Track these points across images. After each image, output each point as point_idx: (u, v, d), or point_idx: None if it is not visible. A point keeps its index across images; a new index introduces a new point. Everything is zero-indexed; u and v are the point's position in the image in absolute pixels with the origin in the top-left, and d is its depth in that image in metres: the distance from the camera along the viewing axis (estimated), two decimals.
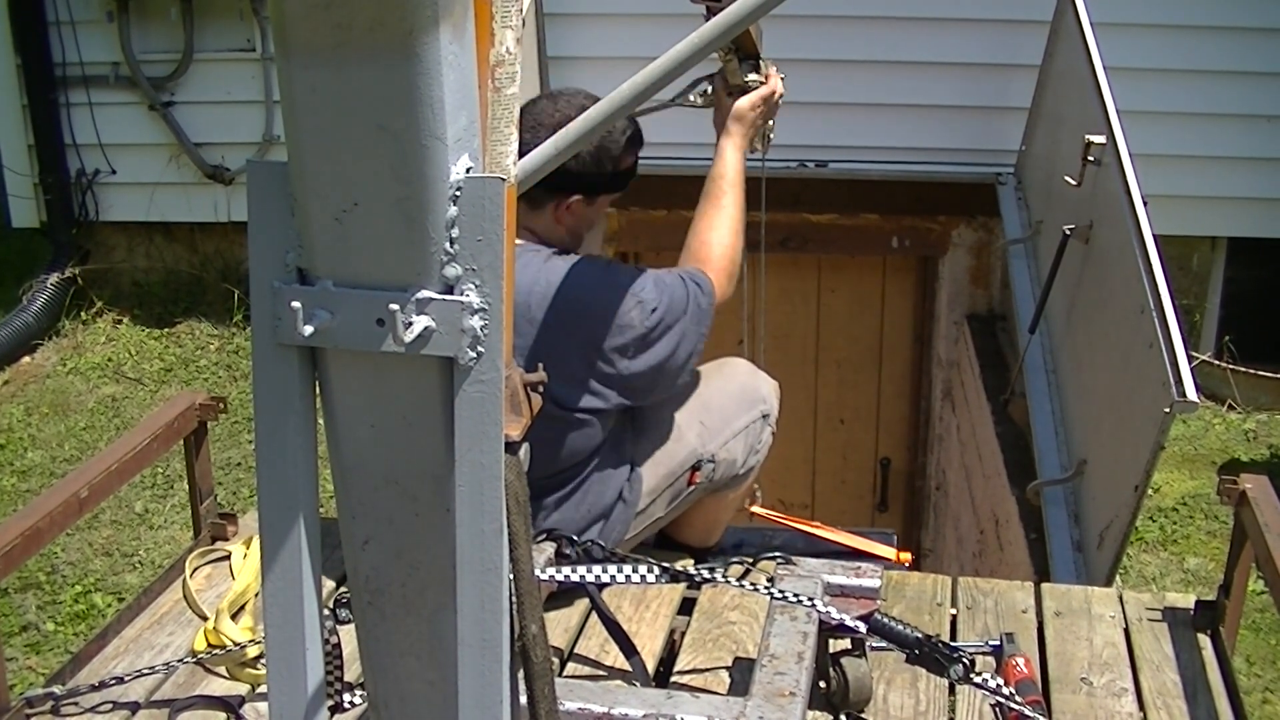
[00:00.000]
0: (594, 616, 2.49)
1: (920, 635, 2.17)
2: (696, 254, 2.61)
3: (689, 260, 2.61)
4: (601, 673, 2.40)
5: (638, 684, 2.27)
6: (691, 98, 2.69)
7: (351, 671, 2.21)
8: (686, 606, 2.62)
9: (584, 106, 2.42)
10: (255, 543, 2.71)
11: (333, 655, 2.04)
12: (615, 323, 2.44)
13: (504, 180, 1.13)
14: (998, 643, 2.42)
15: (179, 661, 2.40)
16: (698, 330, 2.54)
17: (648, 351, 2.48)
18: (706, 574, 2.30)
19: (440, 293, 1.14)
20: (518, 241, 2.45)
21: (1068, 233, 3.79)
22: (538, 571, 1.98)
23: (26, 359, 5.70)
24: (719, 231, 2.62)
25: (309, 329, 1.15)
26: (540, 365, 2.30)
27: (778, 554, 2.38)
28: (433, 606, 1.28)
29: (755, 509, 3.06)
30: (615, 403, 2.52)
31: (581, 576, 2.23)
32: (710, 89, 2.69)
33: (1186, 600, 2.62)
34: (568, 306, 2.44)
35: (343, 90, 1.07)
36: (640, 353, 2.48)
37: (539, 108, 2.49)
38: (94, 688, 2.32)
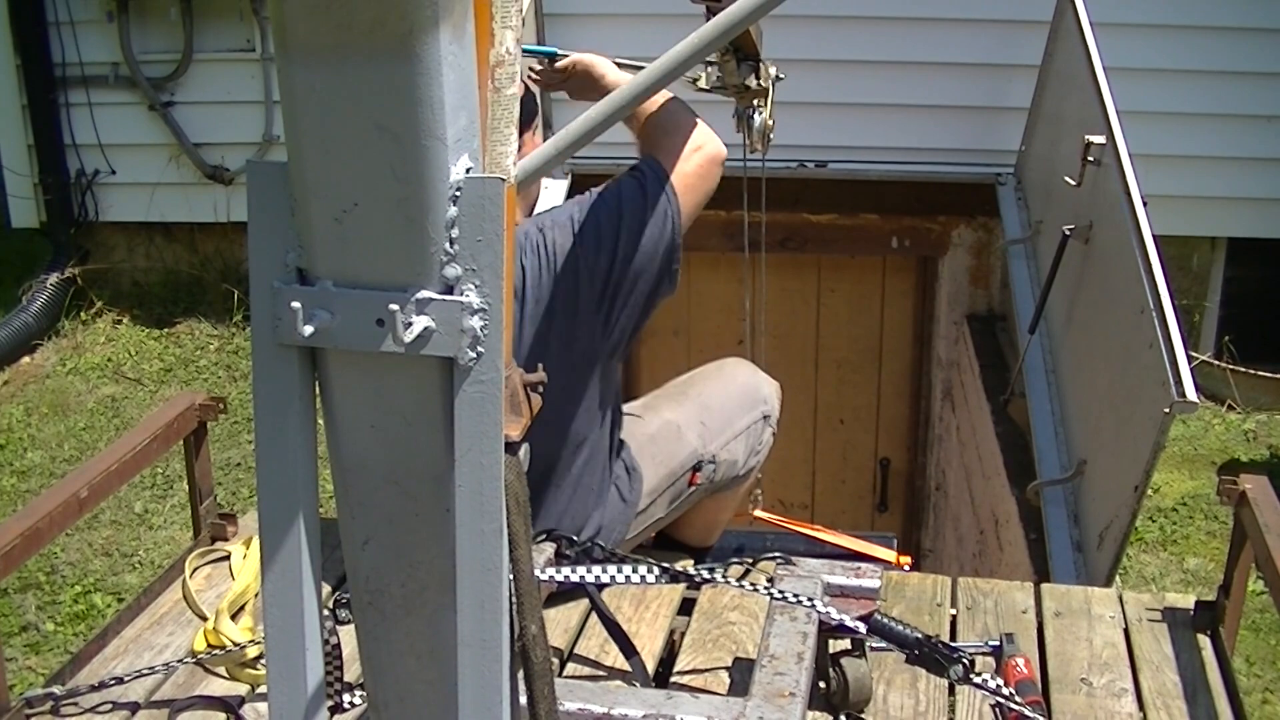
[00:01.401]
0: (594, 617, 2.49)
1: (920, 635, 2.17)
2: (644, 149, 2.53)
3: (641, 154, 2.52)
4: (601, 673, 2.40)
5: (637, 684, 2.27)
6: (701, 82, 2.66)
7: (351, 672, 2.21)
8: (686, 607, 2.62)
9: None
10: (255, 543, 2.71)
11: (332, 655, 2.04)
12: (588, 238, 2.37)
13: (504, 180, 1.13)
14: (997, 643, 2.42)
15: (179, 662, 2.40)
16: (665, 210, 2.42)
17: (619, 241, 2.38)
18: (706, 574, 2.30)
19: (440, 293, 1.14)
20: None
21: (1067, 233, 3.79)
22: (537, 572, 1.98)
23: (26, 359, 5.70)
24: (664, 119, 2.52)
25: (309, 329, 1.15)
26: (549, 328, 2.31)
27: (778, 554, 2.38)
28: (432, 607, 1.28)
29: (757, 513, 3.06)
30: (619, 316, 2.42)
31: (581, 577, 2.23)
32: (714, 74, 2.66)
33: (1186, 601, 2.62)
34: (553, 255, 2.38)
35: (342, 90, 1.07)
36: (615, 247, 2.38)
37: None
38: (94, 688, 2.31)
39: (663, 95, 2.48)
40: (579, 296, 2.39)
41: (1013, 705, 2.16)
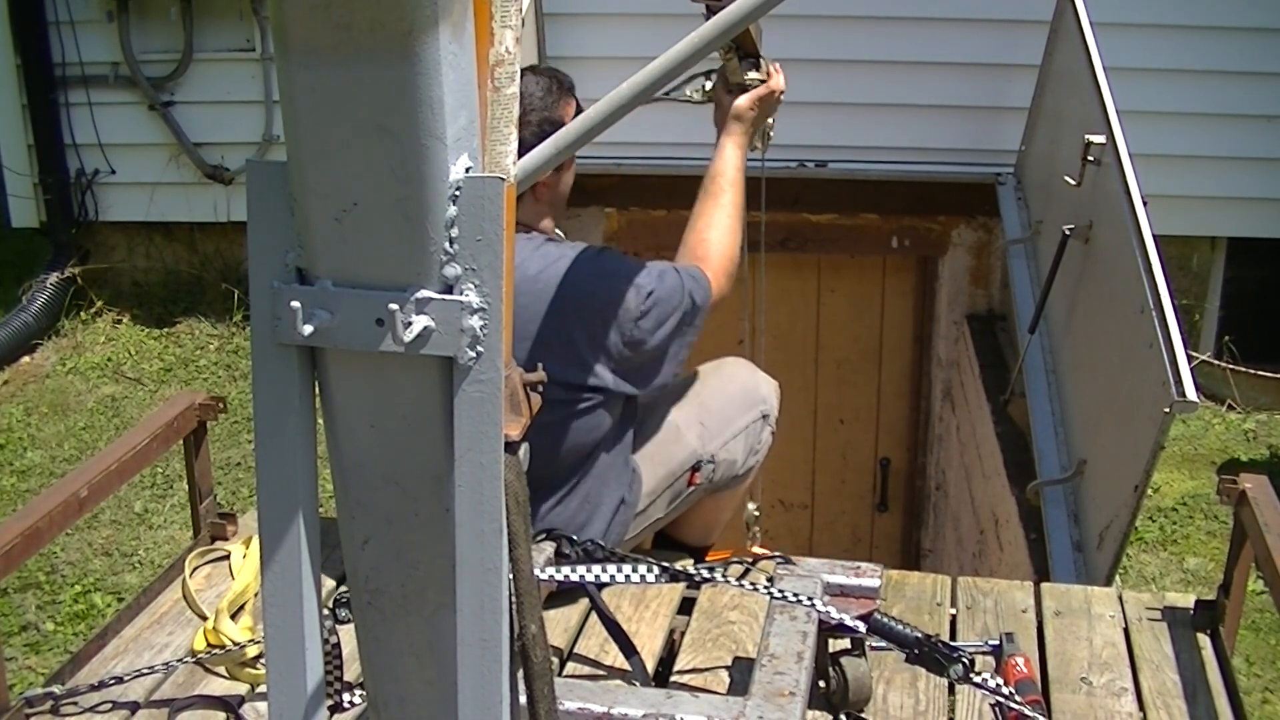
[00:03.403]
0: (593, 616, 2.49)
1: (920, 635, 2.17)
2: (694, 251, 2.61)
3: (687, 257, 2.61)
4: (601, 672, 2.40)
5: (637, 684, 2.27)
6: (688, 93, 2.70)
7: (351, 671, 2.21)
8: (686, 606, 2.62)
9: (537, 84, 2.46)
10: (255, 542, 2.71)
11: (332, 655, 2.04)
12: (611, 304, 2.45)
13: (503, 180, 1.13)
14: (997, 642, 2.42)
15: (178, 661, 2.40)
16: (690, 324, 2.55)
17: (641, 334, 2.48)
18: (706, 573, 2.30)
19: (440, 292, 1.14)
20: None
21: (1067, 233, 3.79)
22: (537, 571, 1.98)
23: (26, 359, 5.69)
24: (718, 230, 2.62)
25: (308, 329, 1.15)
26: (540, 360, 2.36)
27: (777, 554, 2.38)
28: (432, 606, 1.28)
29: (755, 549, 3.06)
30: (614, 385, 2.51)
31: (581, 576, 2.23)
32: (707, 85, 2.69)
33: (1186, 600, 2.62)
34: (566, 289, 2.44)
35: (342, 90, 1.07)
36: (634, 335, 2.47)
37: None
38: (93, 687, 2.32)
39: (735, 185, 2.66)
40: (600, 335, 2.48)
41: (1013, 704, 2.16)
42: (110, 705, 2.28)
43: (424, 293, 1.14)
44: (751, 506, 3.11)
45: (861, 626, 2.17)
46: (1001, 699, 2.19)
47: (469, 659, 1.22)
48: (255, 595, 2.58)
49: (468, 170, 1.13)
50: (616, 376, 2.51)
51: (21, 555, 2.27)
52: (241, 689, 2.34)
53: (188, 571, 2.70)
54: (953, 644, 2.25)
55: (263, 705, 2.24)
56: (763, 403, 2.84)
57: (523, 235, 2.51)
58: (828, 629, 2.20)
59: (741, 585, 2.34)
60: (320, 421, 1.25)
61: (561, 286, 2.44)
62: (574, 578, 2.23)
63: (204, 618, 2.55)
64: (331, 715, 2.08)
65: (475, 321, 1.14)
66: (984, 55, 5.23)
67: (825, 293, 5.79)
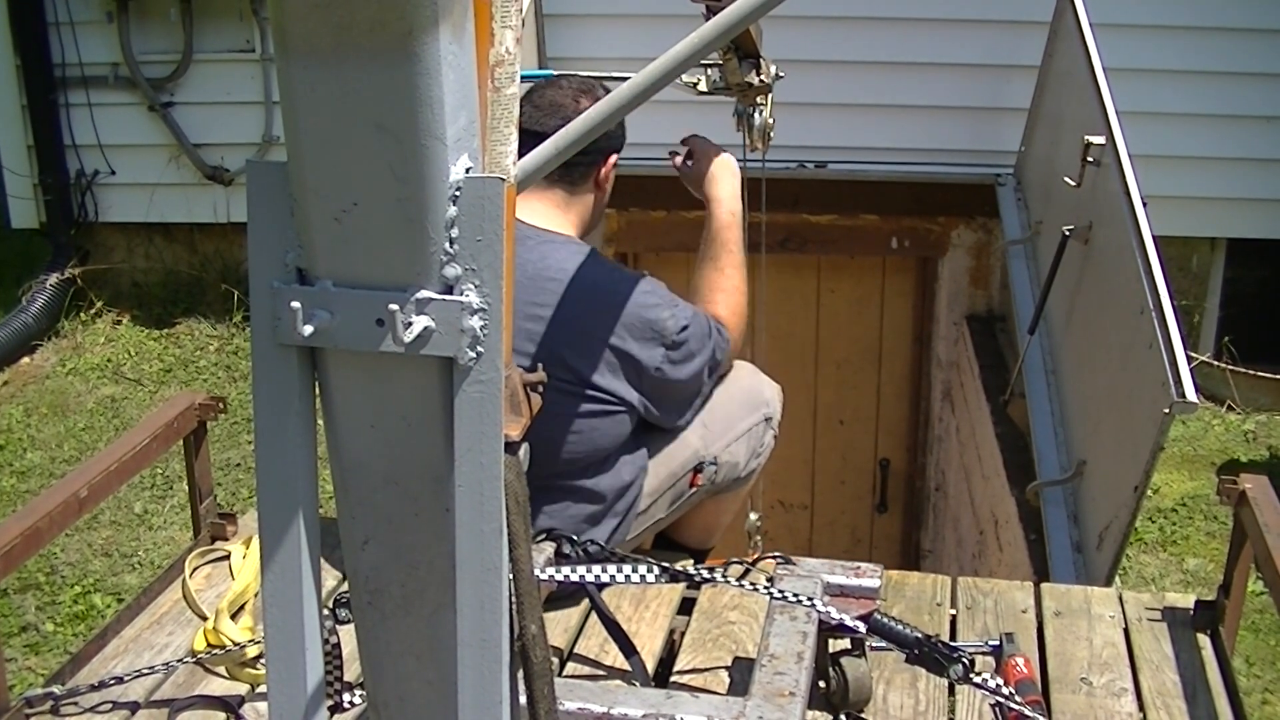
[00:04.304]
0: (593, 616, 2.49)
1: (920, 635, 2.17)
2: (713, 312, 2.69)
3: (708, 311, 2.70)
4: (601, 673, 2.40)
5: (637, 684, 2.27)
6: (701, 85, 2.71)
7: (351, 671, 2.21)
8: (686, 606, 2.62)
9: (587, 87, 2.52)
10: (255, 543, 2.71)
11: (332, 655, 2.04)
12: (649, 324, 2.52)
13: (504, 180, 1.13)
14: (997, 643, 2.42)
15: (178, 661, 2.40)
16: (710, 372, 2.64)
17: (667, 360, 2.55)
18: (706, 574, 2.30)
19: (440, 293, 1.14)
20: (560, 234, 2.52)
21: (1067, 233, 3.79)
22: (537, 571, 1.98)
23: (26, 360, 5.70)
24: (729, 295, 2.72)
25: (308, 329, 1.15)
26: (565, 355, 2.42)
27: (777, 554, 2.38)
28: (432, 606, 1.28)
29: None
30: (635, 400, 2.55)
31: (581, 576, 2.23)
32: (715, 77, 2.71)
33: (1186, 600, 2.62)
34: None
35: (342, 90, 1.07)
36: (663, 359, 2.55)
37: (548, 96, 2.54)
38: (93, 688, 2.32)
39: (738, 249, 2.75)
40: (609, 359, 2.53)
41: (1013, 705, 2.16)
42: (110, 705, 2.28)
43: (424, 293, 1.14)
44: (753, 516, 3.12)
45: (861, 627, 2.17)
46: (1001, 699, 2.19)
47: (469, 659, 1.22)
48: (255, 595, 2.58)
49: (468, 170, 1.13)
50: (639, 393, 2.56)
51: (21, 556, 2.27)
52: (242, 689, 2.34)
53: (188, 572, 2.70)
54: (953, 644, 2.25)
55: (263, 705, 2.24)
56: (765, 405, 2.84)
57: (573, 241, 2.59)
58: (828, 629, 2.20)
59: (741, 585, 2.34)
60: (320, 422, 1.25)
61: (609, 300, 2.52)
62: (574, 578, 2.23)
63: (204, 618, 2.55)
64: (331, 715, 2.08)
65: (475, 322, 1.15)
66: (984, 56, 5.24)
67: (825, 293, 5.79)
